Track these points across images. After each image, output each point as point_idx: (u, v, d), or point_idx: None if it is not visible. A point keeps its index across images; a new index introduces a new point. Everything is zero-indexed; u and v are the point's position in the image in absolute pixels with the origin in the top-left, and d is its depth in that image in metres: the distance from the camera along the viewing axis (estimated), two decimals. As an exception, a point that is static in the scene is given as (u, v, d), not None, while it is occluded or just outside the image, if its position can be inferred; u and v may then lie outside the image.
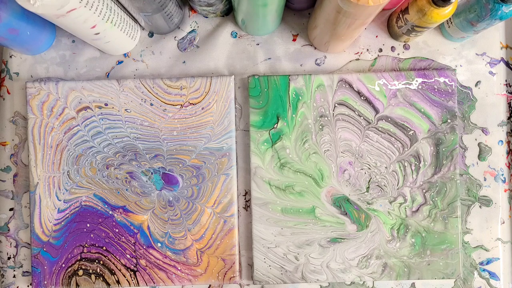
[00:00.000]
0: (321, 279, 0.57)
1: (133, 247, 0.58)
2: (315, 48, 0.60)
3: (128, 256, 0.58)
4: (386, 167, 0.57)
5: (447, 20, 0.56)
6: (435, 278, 0.57)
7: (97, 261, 0.58)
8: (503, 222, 0.59)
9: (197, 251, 0.57)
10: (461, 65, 0.60)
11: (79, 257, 0.58)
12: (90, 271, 0.58)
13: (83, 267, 0.58)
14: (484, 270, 0.59)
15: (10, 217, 0.60)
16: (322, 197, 0.57)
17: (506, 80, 0.60)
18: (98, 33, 0.51)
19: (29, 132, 0.58)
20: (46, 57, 0.60)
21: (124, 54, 0.60)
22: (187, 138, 0.58)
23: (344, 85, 0.57)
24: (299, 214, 0.57)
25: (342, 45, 0.57)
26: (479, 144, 0.59)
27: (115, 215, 0.58)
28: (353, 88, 0.57)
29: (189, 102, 0.58)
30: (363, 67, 0.60)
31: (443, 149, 0.57)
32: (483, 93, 0.60)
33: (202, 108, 0.58)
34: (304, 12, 0.60)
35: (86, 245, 0.58)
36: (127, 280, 0.58)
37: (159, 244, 0.58)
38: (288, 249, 0.57)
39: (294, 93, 0.57)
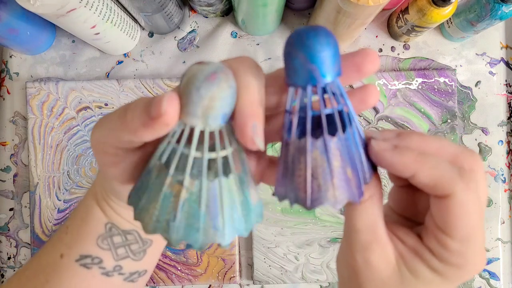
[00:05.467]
0: (321, 279, 0.57)
1: (133, 247, 0.58)
2: (315, 48, 0.60)
3: (128, 256, 0.58)
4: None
5: (447, 20, 0.56)
6: (435, 278, 0.57)
7: (97, 261, 0.58)
8: (503, 222, 0.59)
9: (197, 251, 0.57)
10: (461, 65, 0.60)
11: (79, 257, 0.58)
12: (90, 271, 0.58)
13: (83, 267, 0.58)
14: (484, 270, 0.59)
15: (10, 217, 0.60)
16: (322, 197, 0.57)
17: (506, 80, 0.60)
18: (98, 33, 0.51)
19: (29, 132, 0.58)
20: (46, 57, 0.60)
21: (124, 54, 0.60)
22: (187, 138, 0.58)
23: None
24: (299, 214, 0.57)
25: (342, 45, 0.57)
26: (479, 144, 0.59)
27: (115, 215, 0.58)
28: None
29: (189, 102, 0.58)
30: (363, 67, 0.60)
31: (443, 149, 0.57)
32: (483, 93, 0.60)
33: (202, 108, 0.58)
34: (304, 12, 0.60)
35: (86, 245, 0.58)
36: (127, 280, 0.58)
37: (159, 244, 0.58)
38: (288, 249, 0.57)
39: (294, 93, 0.57)
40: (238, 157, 0.21)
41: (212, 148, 0.20)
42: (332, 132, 0.21)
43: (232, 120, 0.20)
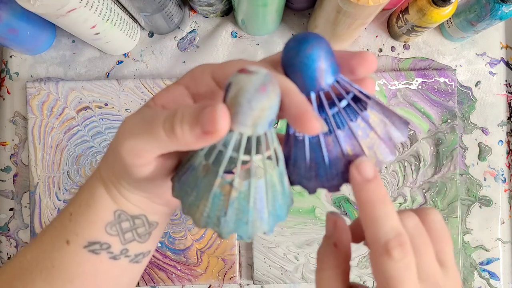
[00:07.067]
0: (321, 279, 0.57)
1: (133, 247, 0.58)
2: (315, 48, 0.60)
3: (128, 256, 0.58)
4: (386, 167, 0.57)
5: (447, 20, 0.56)
6: (435, 278, 0.57)
7: (97, 261, 0.58)
8: (503, 222, 0.59)
9: (197, 251, 0.57)
10: (461, 65, 0.60)
11: (79, 257, 0.58)
12: (90, 271, 0.58)
13: (83, 267, 0.58)
14: (484, 270, 0.59)
15: (10, 217, 0.60)
16: (322, 197, 0.57)
17: (506, 80, 0.60)
18: (98, 33, 0.51)
19: (29, 132, 0.58)
20: (46, 57, 0.60)
21: (124, 54, 0.60)
22: (187, 138, 0.58)
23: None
24: (299, 214, 0.57)
25: (342, 45, 0.57)
26: (479, 144, 0.59)
27: (115, 215, 0.58)
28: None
29: (189, 102, 0.58)
30: (363, 67, 0.60)
31: (443, 149, 0.57)
32: (483, 93, 0.60)
33: (202, 108, 0.58)
34: (304, 12, 0.60)
35: (86, 245, 0.58)
36: (127, 280, 0.58)
37: (159, 244, 0.58)
38: (288, 249, 0.57)
39: (294, 93, 0.57)
40: (277, 153, 0.23)
41: (256, 149, 0.21)
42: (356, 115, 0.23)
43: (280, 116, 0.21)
